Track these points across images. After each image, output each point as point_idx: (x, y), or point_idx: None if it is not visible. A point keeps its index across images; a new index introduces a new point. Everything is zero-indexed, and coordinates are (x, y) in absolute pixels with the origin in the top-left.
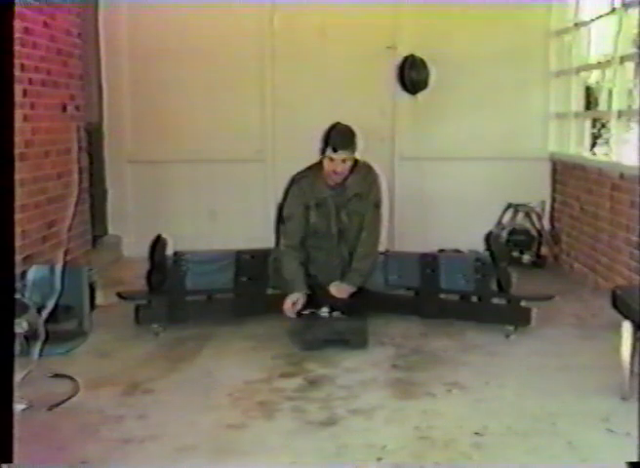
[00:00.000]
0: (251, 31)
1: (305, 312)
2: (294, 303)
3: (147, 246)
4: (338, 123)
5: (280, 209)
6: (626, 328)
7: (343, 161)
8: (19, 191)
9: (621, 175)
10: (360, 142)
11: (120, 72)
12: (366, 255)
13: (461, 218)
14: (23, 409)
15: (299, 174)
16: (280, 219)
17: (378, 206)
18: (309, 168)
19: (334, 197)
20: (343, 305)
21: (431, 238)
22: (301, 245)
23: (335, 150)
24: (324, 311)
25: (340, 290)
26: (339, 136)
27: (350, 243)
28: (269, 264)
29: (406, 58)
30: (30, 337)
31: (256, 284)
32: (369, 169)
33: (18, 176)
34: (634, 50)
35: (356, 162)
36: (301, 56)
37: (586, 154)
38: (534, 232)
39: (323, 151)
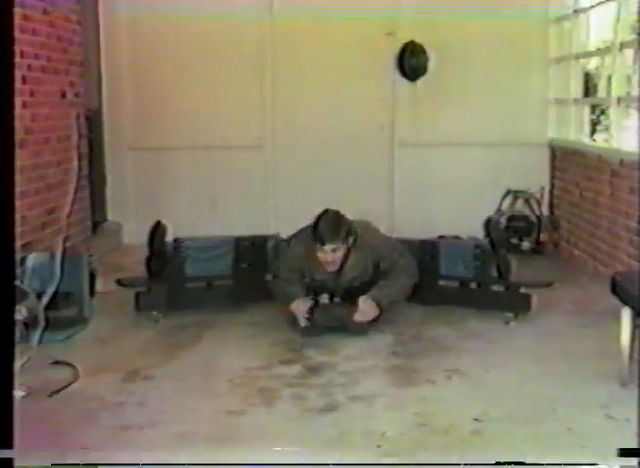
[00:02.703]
0: (251, 18)
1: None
2: (301, 311)
3: (147, 232)
4: (326, 211)
5: (276, 266)
6: (626, 314)
7: (333, 250)
8: (18, 178)
9: (621, 162)
10: (351, 228)
11: (120, 59)
12: (392, 280)
13: (461, 205)
14: (23, 396)
15: (295, 240)
16: (276, 275)
17: (402, 260)
18: (305, 233)
19: (330, 280)
20: (358, 329)
21: (431, 225)
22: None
23: (322, 243)
24: (324, 298)
25: (365, 311)
26: (325, 229)
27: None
28: (269, 251)
29: (405, 45)
30: (30, 324)
31: (255, 270)
32: (374, 248)
33: (17, 163)
34: (633, 36)
35: (355, 241)
36: (301, 43)
37: (586, 140)
38: (533, 219)
39: (314, 238)
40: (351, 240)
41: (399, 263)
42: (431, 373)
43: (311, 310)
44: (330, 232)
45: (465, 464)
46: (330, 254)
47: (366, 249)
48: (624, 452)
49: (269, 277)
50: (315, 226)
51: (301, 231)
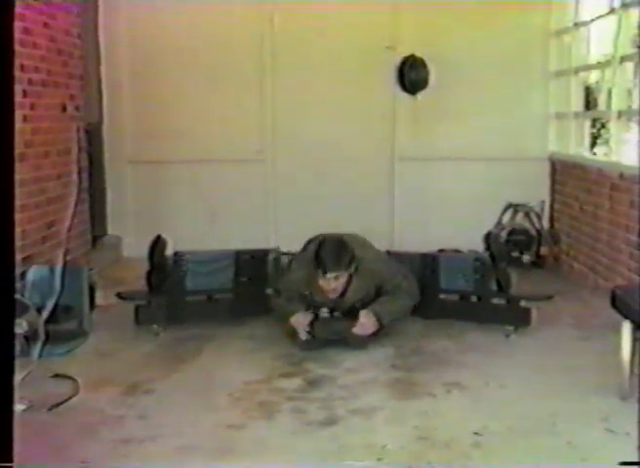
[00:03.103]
0: (251, 31)
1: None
2: (301, 324)
3: (147, 246)
4: (327, 239)
5: (277, 284)
6: (626, 328)
7: (336, 278)
8: (18, 191)
9: (621, 175)
10: (353, 255)
11: (120, 73)
12: (394, 298)
13: (461, 218)
14: (24, 410)
15: (297, 262)
16: (277, 291)
17: (405, 283)
18: (306, 257)
19: (330, 305)
20: (357, 343)
21: (431, 238)
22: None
23: (325, 272)
24: (324, 312)
25: (364, 324)
26: (327, 257)
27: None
28: (269, 264)
29: (406, 58)
30: (30, 338)
31: (255, 284)
32: (376, 273)
33: (17, 177)
34: (634, 50)
35: (357, 268)
36: (301, 56)
37: (586, 154)
38: (533, 232)
39: (316, 266)
40: (353, 267)
41: (402, 286)
42: (431, 387)
43: (311, 324)
44: (332, 261)
45: None
46: (332, 282)
47: (367, 273)
48: (625, 466)
49: (269, 291)
50: (317, 254)
51: (302, 254)
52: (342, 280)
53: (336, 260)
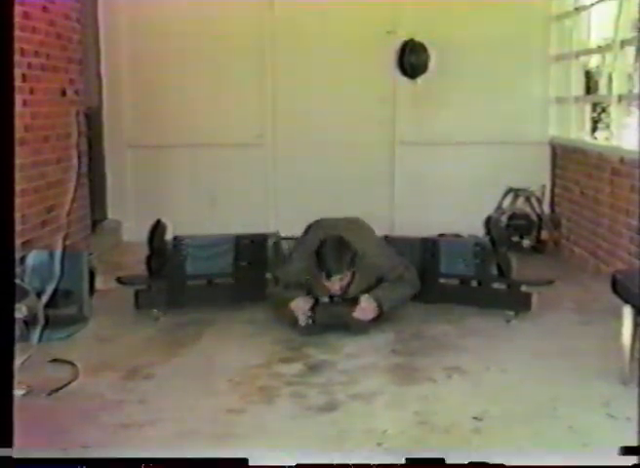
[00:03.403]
0: (251, 16)
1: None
2: (301, 309)
3: (147, 230)
4: (326, 240)
5: (277, 273)
6: (627, 312)
7: (339, 279)
8: (18, 176)
9: (622, 160)
10: (355, 253)
11: (119, 57)
12: (395, 284)
13: (461, 203)
14: (23, 395)
15: (297, 253)
16: (276, 280)
17: (402, 278)
18: (306, 248)
19: (333, 298)
20: (358, 327)
21: (431, 223)
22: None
23: (328, 276)
24: (324, 297)
25: (365, 309)
26: (329, 260)
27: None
28: (269, 249)
29: (405, 43)
30: (30, 322)
31: (255, 268)
32: (376, 267)
33: (17, 161)
34: (634, 34)
35: (354, 262)
36: (301, 40)
37: (587, 138)
38: (534, 217)
39: (319, 267)
40: (355, 266)
41: (404, 276)
42: (432, 372)
43: (312, 308)
44: (335, 263)
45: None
46: (337, 284)
47: (369, 268)
48: (626, 451)
49: (269, 275)
50: (319, 257)
51: (303, 242)
52: (346, 280)
53: (338, 263)
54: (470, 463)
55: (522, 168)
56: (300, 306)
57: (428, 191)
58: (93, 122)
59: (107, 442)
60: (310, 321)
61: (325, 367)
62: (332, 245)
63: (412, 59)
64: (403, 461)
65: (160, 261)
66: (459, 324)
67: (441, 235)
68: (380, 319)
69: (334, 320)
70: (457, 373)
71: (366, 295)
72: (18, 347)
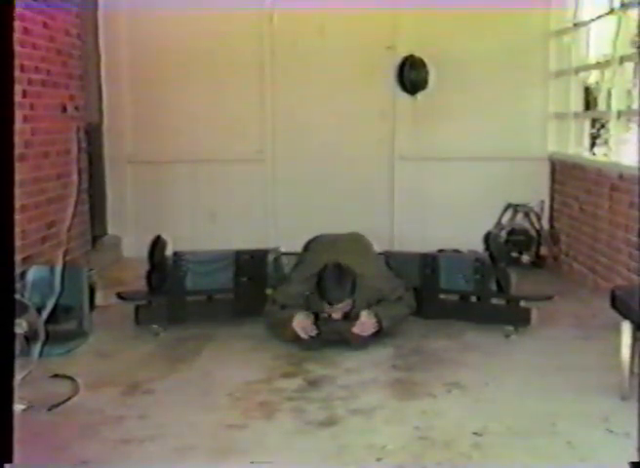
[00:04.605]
0: (250, 31)
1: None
2: (303, 325)
3: (147, 246)
4: (328, 269)
5: (275, 292)
6: (626, 328)
7: (342, 307)
8: (18, 192)
9: (621, 176)
10: (355, 278)
11: (119, 72)
12: (395, 303)
13: (461, 218)
14: (24, 410)
15: (296, 274)
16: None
17: (401, 299)
18: (306, 268)
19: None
20: (357, 343)
21: (431, 238)
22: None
23: (331, 304)
24: (324, 312)
25: (364, 324)
26: (331, 289)
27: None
28: (269, 264)
29: (405, 59)
30: (30, 338)
31: (255, 284)
32: (376, 289)
33: (17, 177)
34: (633, 50)
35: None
36: (301, 56)
37: (586, 154)
38: (533, 232)
39: (320, 297)
40: (356, 290)
41: (403, 297)
42: (431, 387)
43: (315, 323)
44: (336, 292)
45: None
46: (339, 311)
47: (369, 290)
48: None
49: (269, 291)
50: (319, 285)
51: (302, 263)
52: (348, 307)
53: (339, 291)
54: None
55: (521, 183)
56: (302, 322)
57: (428, 207)
58: (93, 138)
59: (107, 457)
60: (314, 333)
61: (325, 382)
62: (332, 274)
63: (412, 75)
64: None
65: (160, 277)
66: (458, 339)
67: (440, 250)
68: (379, 335)
69: (334, 335)
70: (456, 389)
71: (366, 311)
72: (18, 362)
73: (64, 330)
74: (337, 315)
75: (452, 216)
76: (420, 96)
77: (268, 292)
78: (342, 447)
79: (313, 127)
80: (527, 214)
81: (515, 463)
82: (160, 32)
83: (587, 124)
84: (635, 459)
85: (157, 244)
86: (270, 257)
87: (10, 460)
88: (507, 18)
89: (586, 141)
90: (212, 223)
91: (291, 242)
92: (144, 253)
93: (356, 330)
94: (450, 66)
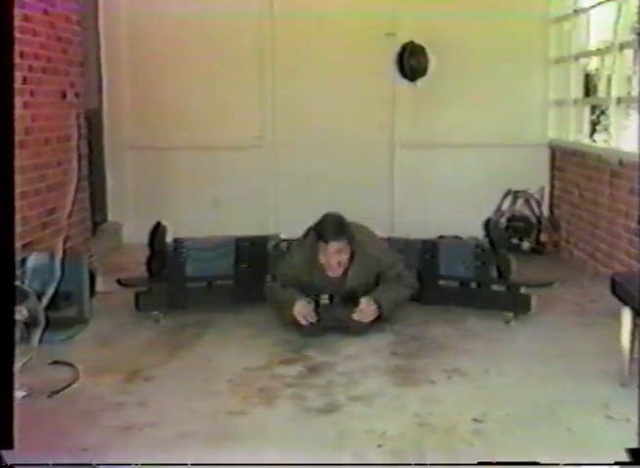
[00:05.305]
0: (250, 18)
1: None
2: (304, 313)
3: (147, 233)
4: (327, 214)
5: (274, 271)
6: (626, 314)
7: (338, 253)
8: (18, 178)
9: (621, 162)
10: (353, 233)
11: (119, 59)
12: (394, 286)
13: (461, 205)
14: (24, 396)
15: (298, 246)
16: (273, 278)
17: (404, 272)
18: (308, 245)
19: (329, 287)
20: (359, 330)
21: (431, 225)
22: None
23: (326, 241)
24: (324, 297)
25: (364, 310)
26: (329, 228)
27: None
28: (269, 251)
29: (405, 45)
30: (30, 324)
31: (256, 270)
32: (376, 261)
33: (17, 164)
34: (633, 36)
35: (356, 251)
36: (301, 43)
37: (586, 141)
38: (533, 219)
39: (318, 237)
40: (354, 243)
41: (403, 275)
42: (431, 373)
43: (315, 311)
44: (335, 231)
45: (466, 464)
46: (335, 257)
47: (368, 258)
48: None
49: (269, 277)
50: (319, 227)
51: (303, 240)
52: (344, 256)
53: (338, 231)
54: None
55: (521, 170)
56: (302, 310)
57: (428, 193)
58: (93, 124)
59: (108, 444)
60: (315, 319)
61: (325, 368)
62: (332, 217)
63: (412, 62)
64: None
65: (160, 263)
66: (458, 325)
67: (441, 237)
68: (379, 321)
69: (334, 322)
70: (456, 375)
71: (366, 297)
72: (18, 349)
73: (65, 316)
74: (333, 264)
75: (452, 203)
76: (419, 82)
77: (268, 278)
78: (342, 433)
79: (313, 114)
80: (527, 201)
81: (515, 449)
82: (160, 18)
83: (587, 110)
84: (635, 445)
85: (157, 230)
86: (270, 244)
87: (10, 446)
88: (507, 4)
89: (586, 128)
90: (212, 210)
91: (291, 228)
92: (145, 239)
93: (356, 317)
94: (450, 53)
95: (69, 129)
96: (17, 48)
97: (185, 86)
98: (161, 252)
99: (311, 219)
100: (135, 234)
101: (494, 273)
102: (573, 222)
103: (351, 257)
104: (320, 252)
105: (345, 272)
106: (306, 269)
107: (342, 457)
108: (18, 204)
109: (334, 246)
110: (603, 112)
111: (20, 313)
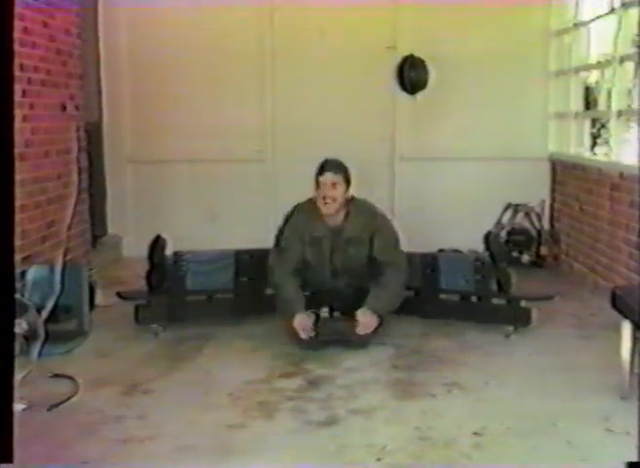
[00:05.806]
0: (251, 31)
1: (317, 332)
2: (303, 326)
3: (147, 246)
4: (327, 158)
5: (279, 234)
6: (626, 327)
7: (333, 186)
8: (18, 191)
9: (621, 175)
10: (352, 176)
11: (119, 72)
12: (385, 285)
13: (461, 218)
14: (23, 410)
15: (300, 204)
16: (277, 246)
17: (396, 244)
18: (311, 200)
19: (329, 238)
20: (361, 341)
21: (431, 238)
22: (297, 272)
23: (322, 173)
24: (324, 311)
25: (365, 323)
26: (327, 163)
27: (349, 281)
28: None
29: (405, 58)
30: (30, 337)
31: (255, 284)
32: (373, 214)
33: (17, 177)
34: (634, 49)
35: (355, 200)
36: (301, 56)
37: (586, 154)
38: (533, 232)
39: (316, 174)
40: (354, 202)
41: (397, 261)
42: (431, 387)
43: (315, 324)
44: (332, 164)
45: None
46: (329, 189)
47: (366, 212)
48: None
49: (270, 291)
50: (319, 170)
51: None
52: (338, 191)
53: (336, 165)
54: None
55: (521, 183)
56: (303, 323)
57: (428, 206)
58: (93, 137)
59: (107, 457)
60: (313, 334)
61: (325, 381)
62: (331, 158)
63: (412, 75)
64: None
65: (160, 276)
66: (458, 339)
67: (441, 250)
68: (381, 327)
69: (335, 336)
70: (456, 388)
71: (361, 310)
72: (18, 362)
73: (64, 329)
74: (330, 197)
75: (452, 216)
76: (420, 96)
77: (268, 291)
78: (342, 446)
79: (313, 127)
80: (527, 214)
81: (515, 463)
82: (160, 32)
83: (588, 124)
84: (635, 459)
85: (157, 243)
86: (267, 270)
87: (10, 460)
88: (508, 17)
89: (587, 141)
90: (212, 223)
91: None
92: (144, 252)
93: (360, 331)
94: (450, 66)
95: (69, 141)
96: (16, 60)
97: (186, 99)
98: (161, 265)
99: None
100: (134, 247)
101: (494, 286)
102: (573, 236)
103: (348, 205)
104: (316, 189)
105: (345, 219)
106: (306, 224)
107: None
108: (17, 217)
109: (328, 177)
110: (603, 125)
111: (20, 326)
